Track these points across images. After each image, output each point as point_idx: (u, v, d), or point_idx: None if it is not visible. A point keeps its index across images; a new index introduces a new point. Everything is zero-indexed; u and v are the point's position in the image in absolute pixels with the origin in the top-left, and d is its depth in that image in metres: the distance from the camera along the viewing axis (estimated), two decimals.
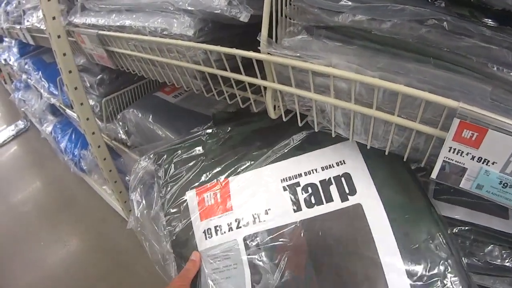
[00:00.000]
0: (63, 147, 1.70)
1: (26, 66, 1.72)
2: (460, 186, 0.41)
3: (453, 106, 0.35)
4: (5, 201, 1.96)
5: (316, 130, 0.51)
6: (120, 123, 1.06)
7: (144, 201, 0.72)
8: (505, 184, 0.38)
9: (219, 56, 0.55)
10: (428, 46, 0.37)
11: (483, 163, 0.37)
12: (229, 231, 0.55)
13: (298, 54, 0.41)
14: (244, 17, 0.49)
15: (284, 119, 0.53)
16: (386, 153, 0.47)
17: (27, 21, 1.27)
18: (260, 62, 0.49)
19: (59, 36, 0.87)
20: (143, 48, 0.69)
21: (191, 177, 0.65)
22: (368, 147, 0.48)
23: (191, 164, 0.66)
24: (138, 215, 0.70)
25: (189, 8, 0.56)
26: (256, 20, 0.48)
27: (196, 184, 0.63)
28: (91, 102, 1.17)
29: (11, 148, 2.51)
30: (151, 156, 0.71)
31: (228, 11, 0.51)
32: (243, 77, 0.52)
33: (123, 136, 1.08)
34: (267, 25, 0.45)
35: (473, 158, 0.37)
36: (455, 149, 0.38)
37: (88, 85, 1.17)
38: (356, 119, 0.45)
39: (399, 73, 0.38)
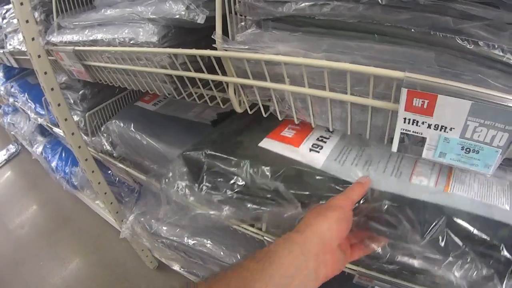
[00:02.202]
0: (54, 166, 1.71)
1: (13, 90, 1.73)
2: (423, 156, 0.42)
3: (399, 76, 0.36)
4: (2, 225, 1.96)
5: (280, 119, 0.53)
6: (105, 134, 1.08)
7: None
8: (468, 149, 0.39)
9: (183, 59, 0.58)
10: (369, 23, 0.39)
11: (440, 130, 0.38)
12: None
13: (247, 47, 0.43)
14: (201, 19, 0.52)
15: (249, 112, 0.56)
16: (349, 133, 0.49)
17: (9, 44, 1.29)
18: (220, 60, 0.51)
19: (39, 56, 0.89)
20: (115, 59, 0.71)
21: (248, 138, 0.61)
22: (331, 130, 0.50)
23: (236, 135, 0.64)
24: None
25: (152, 16, 0.59)
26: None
27: (262, 134, 0.61)
28: (76, 118, 1.19)
29: (5, 172, 2.51)
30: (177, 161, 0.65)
31: (186, 15, 0.53)
32: (205, 75, 0.54)
33: (108, 148, 1.09)
34: (221, 24, 0.47)
35: (429, 126, 0.38)
36: (409, 119, 0.38)
37: (72, 101, 1.19)
38: (313, 102, 0.47)
39: (344, 53, 0.40)
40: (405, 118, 0.39)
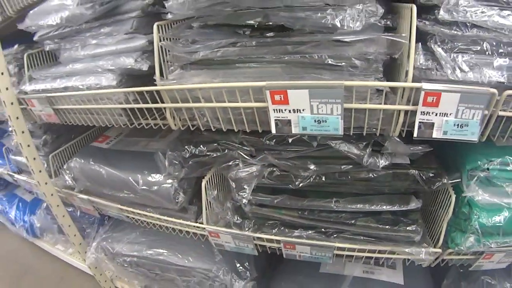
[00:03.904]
0: (13, 216, 1.82)
1: None
2: (292, 132, 0.68)
3: (262, 85, 0.64)
4: None
5: (202, 129, 0.80)
6: (67, 171, 1.26)
7: None
8: (319, 121, 0.64)
9: (134, 96, 0.84)
10: (247, 57, 0.68)
11: (296, 112, 0.64)
12: None
13: (175, 81, 0.71)
14: (145, 67, 0.80)
15: (181, 128, 0.82)
16: (248, 130, 0.76)
17: None
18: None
19: (12, 103, 1.09)
20: (82, 101, 0.95)
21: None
22: (236, 130, 0.77)
23: None
24: None
25: (111, 67, 0.86)
26: None
27: None
28: None
29: None
30: None
31: (135, 65, 0.81)
32: (150, 105, 0.80)
33: (71, 183, 1.26)
34: (159, 69, 0.75)
35: (290, 111, 0.65)
36: (277, 109, 0.65)
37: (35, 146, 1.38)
38: (220, 113, 0.74)
39: (233, 78, 0.69)
40: (274, 109, 0.66)
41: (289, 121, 0.67)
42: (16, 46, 1.20)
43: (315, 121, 0.66)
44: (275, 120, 0.68)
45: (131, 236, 1.29)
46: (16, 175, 1.58)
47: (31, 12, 0.97)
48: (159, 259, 1.19)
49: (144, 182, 1.03)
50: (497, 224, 0.73)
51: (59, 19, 0.89)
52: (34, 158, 1.21)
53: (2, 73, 1.06)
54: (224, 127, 0.77)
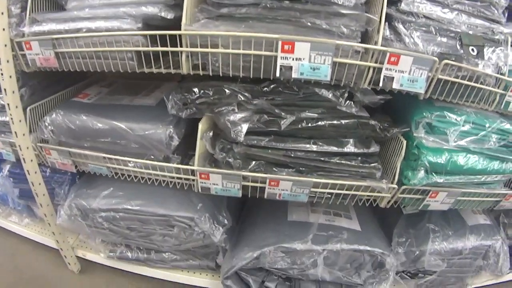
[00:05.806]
0: None
1: None
2: (277, 76, 0.97)
3: (276, 37, 0.93)
4: None
5: (210, 74, 1.05)
6: (47, 124, 1.36)
7: None
8: (314, 68, 1.02)
9: (153, 39, 1.06)
10: (264, 16, 0.97)
11: (297, 60, 0.93)
12: None
13: (200, 28, 0.97)
14: (171, 16, 1.05)
15: (191, 73, 1.07)
16: (250, 77, 1.04)
17: None
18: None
19: (5, 45, 1.20)
20: (92, 44, 1.13)
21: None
22: (241, 76, 1.04)
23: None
24: None
25: (134, 14, 1.08)
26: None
27: None
28: None
29: None
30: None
31: (160, 13, 1.05)
32: (169, 48, 1.04)
33: (49, 136, 1.37)
34: (185, 17, 1.00)
35: (293, 59, 0.93)
36: (284, 57, 0.94)
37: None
38: (233, 59, 1.01)
39: (253, 30, 0.97)
40: (281, 57, 0.95)
41: (291, 67, 0.97)
42: None
43: (311, 68, 0.96)
44: (281, 66, 0.97)
45: (108, 191, 1.43)
46: None
47: None
48: (140, 210, 1.36)
49: (139, 127, 1.24)
50: (441, 163, 1.10)
51: None
52: (17, 107, 1.33)
53: (2, 13, 1.16)
54: (232, 73, 1.04)
